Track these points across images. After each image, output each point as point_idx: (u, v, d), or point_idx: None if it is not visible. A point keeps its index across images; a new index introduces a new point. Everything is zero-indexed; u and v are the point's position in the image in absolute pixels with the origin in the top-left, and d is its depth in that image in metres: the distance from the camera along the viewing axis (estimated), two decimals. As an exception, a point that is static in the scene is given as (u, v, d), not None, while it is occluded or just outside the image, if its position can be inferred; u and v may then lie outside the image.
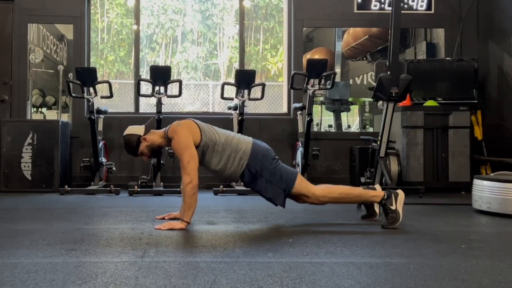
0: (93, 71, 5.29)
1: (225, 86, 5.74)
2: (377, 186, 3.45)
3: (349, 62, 9.15)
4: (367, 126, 8.71)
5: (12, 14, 6.08)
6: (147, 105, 6.75)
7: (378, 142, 5.28)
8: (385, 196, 3.26)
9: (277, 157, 3.36)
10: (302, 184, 3.30)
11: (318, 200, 3.29)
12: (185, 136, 3.21)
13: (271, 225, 3.39)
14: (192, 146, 3.20)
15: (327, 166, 6.19)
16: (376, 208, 3.43)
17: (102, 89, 5.81)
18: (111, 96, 5.40)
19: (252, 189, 3.40)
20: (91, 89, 5.25)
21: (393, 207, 3.22)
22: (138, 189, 5.14)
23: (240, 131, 5.43)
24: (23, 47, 6.13)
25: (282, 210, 3.81)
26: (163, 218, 3.49)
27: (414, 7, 6.38)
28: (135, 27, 6.63)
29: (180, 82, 5.54)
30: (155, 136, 3.37)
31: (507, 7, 5.74)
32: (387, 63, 5.25)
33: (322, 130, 8.14)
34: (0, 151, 5.38)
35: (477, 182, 4.07)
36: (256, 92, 5.72)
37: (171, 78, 5.43)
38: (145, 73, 7.46)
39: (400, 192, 3.29)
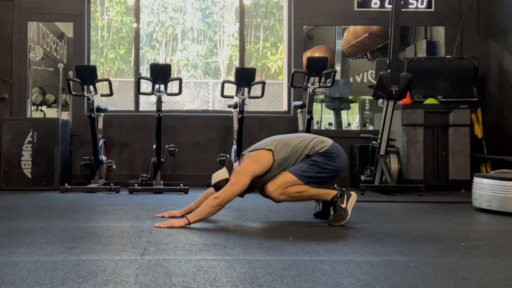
0: (93, 69, 5.28)
1: (225, 84, 5.73)
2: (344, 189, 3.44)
3: (349, 60, 9.14)
4: (367, 124, 8.71)
5: (12, 12, 6.07)
6: (147, 103, 6.75)
7: (378, 140, 5.29)
8: (338, 195, 3.29)
9: (339, 172, 3.36)
10: (293, 182, 3.26)
11: (276, 197, 3.26)
12: (248, 166, 3.24)
13: (271, 223, 3.39)
14: (247, 175, 3.20)
15: (327, 164, 6.18)
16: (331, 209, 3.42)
17: (102, 87, 5.81)
18: (111, 94, 5.39)
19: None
20: (91, 87, 5.24)
21: (343, 206, 3.26)
22: (138, 187, 5.14)
23: (240, 129, 5.43)
24: (23, 45, 6.12)
25: (282, 209, 3.81)
26: (163, 216, 3.49)
27: (415, 5, 6.36)
28: (135, 25, 6.62)
29: (180, 80, 5.54)
30: None
31: (508, 5, 5.73)
32: (387, 61, 5.25)
33: (322, 128, 8.13)
34: (0, 149, 5.38)
35: (477, 180, 4.07)
36: (256, 90, 5.71)
37: (171, 76, 5.42)
38: (145, 71, 7.45)
39: (354, 194, 3.33)
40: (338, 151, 3.37)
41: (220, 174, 3.32)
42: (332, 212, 3.34)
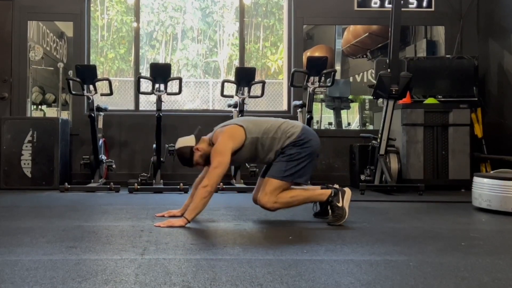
0: (93, 69, 5.28)
1: (225, 84, 5.74)
2: (336, 186, 3.42)
3: (349, 60, 9.15)
4: (367, 124, 8.71)
5: (12, 11, 6.07)
6: (147, 103, 6.75)
7: (378, 140, 5.29)
8: (332, 194, 3.28)
9: (315, 154, 3.35)
10: (281, 186, 3.26)
11: (270, 206, 3.26)
12: (224, 143, 3.21)
13: (270, 223, 3.39)
14: (225, 154, 3.18)
15: (327, 163, 6.19)
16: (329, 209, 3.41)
17: (102, 86, 5.81)
18: (111, 93, 5.40)
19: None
20: (91, 87, 5.24)
21: (339, 204, 3.25)
22: (138, 187, 5.14)
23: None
24: (23, 45, 6.12)
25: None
26: (163, 216, 3.49)
27: (415, 5, 6.36)
28: (135, 24, 6.62)
29: (180, 79, 5.54)
30: (205, 144, 3.36)
31: (508, 4, 5.73)
32: (387, 60, 5.25)
33: (322, 127, 8.14)
34: (0, 149, 5.38)
35: (477, 180, 4.07)
36: (256, 89, 5.72)
37: (171, 76, 5.42)
38: (145, 71, 7.45)
39: (348, 190, 3.32)
40: (308, 134, 3.34)
41: (186, 140, 3.36)
42: (330, 212, 3.34)
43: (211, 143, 3.32)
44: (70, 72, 6.09)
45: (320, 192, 3.35)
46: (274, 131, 3.28)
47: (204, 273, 2.07)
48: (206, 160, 3.35)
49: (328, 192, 3.31)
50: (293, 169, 3.23)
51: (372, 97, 5.68)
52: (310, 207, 3.65)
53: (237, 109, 5.57)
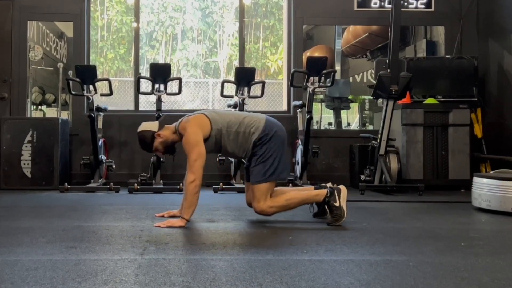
0: (92, 69, 5.28)
1: (225, 84, 5.74)
2: (329, 184, 3.41)
3: (349, 60, 9.15)
4: (367, 124, 8.71)
5: (11, 11, 6.07)
6: (147, 103, 6.75)
7: (378, 140, 5.29)
8: (328, 194, 3.26)
9: (284, 143, 3.34)
10: (269, 189, 3.26)
11: (266, 212, 3.26)
12: (194, 132, 3.21)
13: (270, 223, 3.39)
14: (200, 144, 3.19)
15: (327, 164, 6.19)
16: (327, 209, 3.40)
17: (102, 86, 5.81)
18: (110, 93, 5.40)
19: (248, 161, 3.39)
20: (91, 87, 5.24)
21: (337, 204, 3.23)
22: (138, 187, 5.14)
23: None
24: (23, 45, 6.12)
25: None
26: (163, 216, 3.49)
27: (414, 5, 6.37)
28: (135, 24, 6.62)
29: (180, 80, 5.54)
30: (168, 132, 3.37)
31: (508, 5, 5.73)
32: (387, 61, 5.25)
33: (322, 128, 8.14)
34: (0, 149, 5.38)
35: (476, 180, 4.07)
36: (256, 90, 5.72)
37: (171, 76, 5.43)
38: (145, 71, 7.45)
39: (343, 188, 3.31)
40: (272, 126, 3.32)
41: (149, 125, 3.38)
42: (328, 212, 3.34)
43: (177, 132, 3.33)
44: (70, 72, 6.08)
45: (315, 193, 3.34)
46: (238, 125, 3.28)
47: (204, 273, 2.07)
48: (167, 148, 3.39)
49: (323, 192, 3.30)
50: (272, 168, 3.23)
51: (372, 97, 5.68)
52: (309, 208, 3.65)
53: (237, 109, 5.57)
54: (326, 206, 3.33)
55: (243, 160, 3.42)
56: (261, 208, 3.25)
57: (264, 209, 3.25)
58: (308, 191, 3.40)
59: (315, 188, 3.43)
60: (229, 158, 5.55)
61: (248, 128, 3.27)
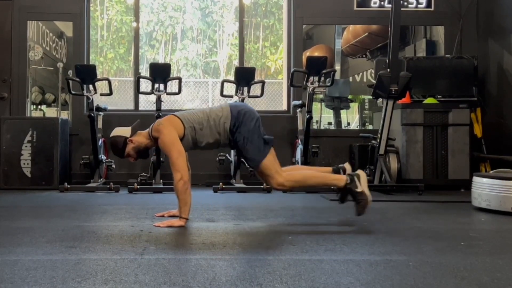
0: (92, 69, 5.28)
1: (225, 84, 5.74)
2: (347, 165, 3.37)
3: (348, 60, 9.16)
4: (366, 124, 8.72)
5: (11, 11, 6.06)
6: (147, 103, 6.75)
7: (378, 140, 5.29)
8: (349, 180, 3.19)
9: (259, 120, 3.35)
10: (273, 162, 3.27)
11: (283, 185, 3.26)
12: (169, 133, 3.23)
13: (270, 223, 3.40)
14: (178, 142, 3.22)
15: (327, 163, 6.17)
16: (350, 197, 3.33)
17: (101, 86, 5.80)
18: (110, 93, 5.40)
19: (238, 152, 3.45)
20: (91, 87, 5.24)
21: (359, 190, 3.16)
22: (138, 187, 5.14)
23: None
24: (23, 45, 6.12)
25: (282, 208, 3.81)
26: (163, 216, 3.49)
27: (414, 5, 6.36)
28: (134, 24, 6.62)
29: (179, 79, 5.54)
30: (141, 138, 3.39)
31: (507, 4, 5.73)
32: (387, 60, 5.24)
33: (322, 127, 8.14)
34: (0, 149, 5.38)
35: (476, 180, 4.07)
36: (255, 89, 5.71)
37: (171, 76, 5.43)
38: (144, 71, 7.45)
39: (362, 173, 3.25)
40: (238, 108, 3.33)
41: (122, 131, 3.41)
42: (353, 200, 3.23)
43: (150, 137, 3.35)
44: (70, 72, 6.08)
45: (335, 177, 3.28)
46: (207, 120, 3.30)
47: (203, 273, 2.07)
48: (139, 153, 3.42)
49: (343, 178, 3.22)
50: (260, 142, 3.25)
51: (371, 97, 5.67)
52: (309, 207, 3.66)
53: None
54: (348, 195, 3.25)
55: (229, 145, 3.42)
56: (278, 181, 3.23)
57: (281, 182, 3.24)
58: (326, 174, 3.35)
59: (334, 170, 3.37)
60: (228, 157, 5.55)
61: (218, 118, 3.29)
